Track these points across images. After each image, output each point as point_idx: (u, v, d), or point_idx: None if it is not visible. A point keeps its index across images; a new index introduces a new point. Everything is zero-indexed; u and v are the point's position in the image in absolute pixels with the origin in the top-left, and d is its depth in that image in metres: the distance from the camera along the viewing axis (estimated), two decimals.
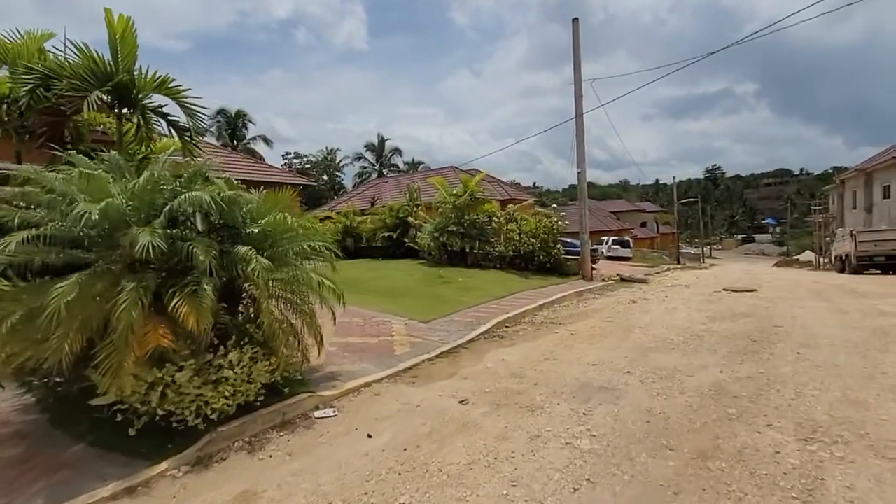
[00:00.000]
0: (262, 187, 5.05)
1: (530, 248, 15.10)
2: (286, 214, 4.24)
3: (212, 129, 35.54)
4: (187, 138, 5.94)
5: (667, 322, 8.02)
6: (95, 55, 5.50)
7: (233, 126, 36.28)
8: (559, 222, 15.73)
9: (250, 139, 37.47)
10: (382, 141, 46.70)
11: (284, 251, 4.29)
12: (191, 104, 6.01)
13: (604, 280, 14.99)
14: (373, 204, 21.83)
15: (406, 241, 17.89)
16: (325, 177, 44.57)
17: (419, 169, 45.06)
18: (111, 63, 5.56)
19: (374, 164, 46.12)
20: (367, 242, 19.94)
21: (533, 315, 8.99)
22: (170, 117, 5.89)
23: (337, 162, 47.83)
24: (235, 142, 36.27)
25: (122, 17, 5.47)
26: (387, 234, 18.69)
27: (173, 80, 5.92)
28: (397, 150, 47.13)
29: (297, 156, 44.79)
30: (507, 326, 7.98)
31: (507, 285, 12.17)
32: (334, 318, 5.14)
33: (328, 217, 20.58)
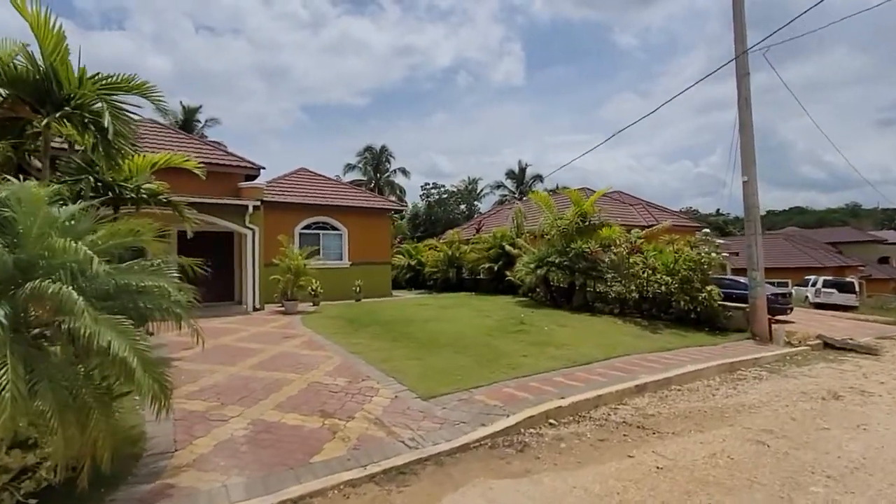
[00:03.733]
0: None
1: (662, 288, 10.83)
2: None
3: (359, 165, 38.85)
4: (105, 143, 4.81)
5: None
6: None
7: (377, 161, 39.05)
8: (712, 254, 11.03)
9: (391, 171, 39.80)
10: (523, 168, 44.66)
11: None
12: (120, 102, 4.97)
13: (791, 344, 9.72)
14: (478, 231, 19.64)
15: (508, 273, 15.20)
16: (462, 206, 44.39)
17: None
18: (35, 63, 4.81)
19: (513, 192, 44.30)
20: (471, 274, 17.82)
21: (616, 405, 5.46)
22: (86, 119, 4.86)
23: (478, 191, 47.46)
24: (378, 175, 38.85)
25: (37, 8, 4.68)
26: (488, 266, 16.26)
27: (103, 74, 4.96)
28: (538, 177, 44.38)
29: (434, 186, 45.80)
30: (550, 423, 4.79)
31: (612, 343, 8.49)
32: (164, 415, 3.11)
33: (434, 247, 19.18)
